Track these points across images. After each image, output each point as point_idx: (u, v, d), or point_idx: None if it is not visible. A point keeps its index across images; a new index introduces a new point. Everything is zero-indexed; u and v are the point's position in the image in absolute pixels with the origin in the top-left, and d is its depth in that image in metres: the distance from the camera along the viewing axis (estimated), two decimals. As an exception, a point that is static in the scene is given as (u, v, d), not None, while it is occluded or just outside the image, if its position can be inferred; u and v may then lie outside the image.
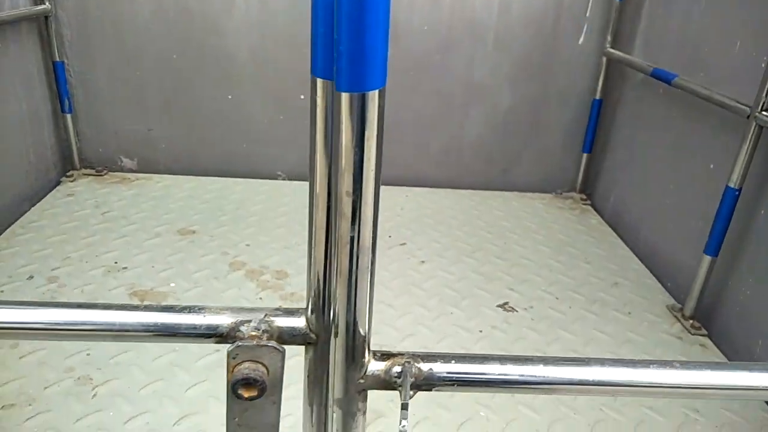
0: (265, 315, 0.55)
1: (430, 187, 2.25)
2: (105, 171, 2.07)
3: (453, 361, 0.54)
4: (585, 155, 2.25)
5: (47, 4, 1.81)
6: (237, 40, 1.97)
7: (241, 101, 2.07)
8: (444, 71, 2.09)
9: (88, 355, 1.25)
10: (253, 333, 0.54)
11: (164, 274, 1.56)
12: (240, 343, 0.50)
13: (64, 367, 1.22)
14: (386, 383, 0.53)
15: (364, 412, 0.56)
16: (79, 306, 0.53)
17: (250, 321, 0.55)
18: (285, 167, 2.20)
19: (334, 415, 0.55)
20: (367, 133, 0.44)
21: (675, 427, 1.23)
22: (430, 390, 0.54)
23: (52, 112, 1.95)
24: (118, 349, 1.28)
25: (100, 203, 1.88)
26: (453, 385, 0.54)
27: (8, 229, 1.67)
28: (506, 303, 1.63)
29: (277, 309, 0.57)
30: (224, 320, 0.55)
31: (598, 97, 2.15)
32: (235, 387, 0.49)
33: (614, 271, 1.82)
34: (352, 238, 0.47)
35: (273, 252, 1.72)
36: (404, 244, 1.85)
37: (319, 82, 0.46)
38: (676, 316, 1.61)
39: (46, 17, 1.82)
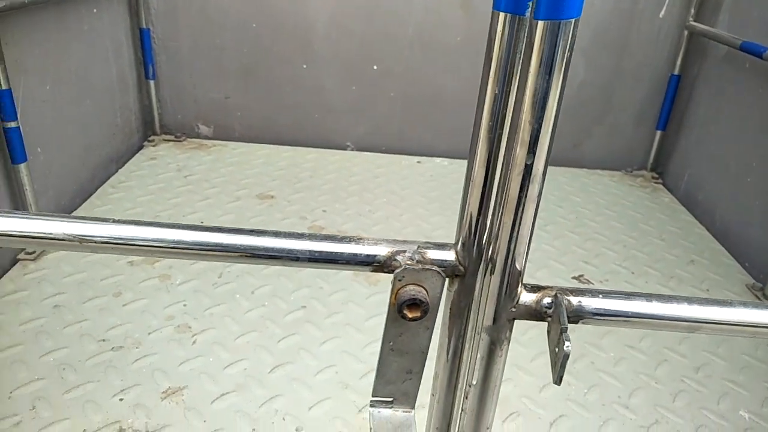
0: (418, 247, 0.58)
1: (498, 161, 2.24)
2: (183, 137, 2.15)
3: (600, 296, 0.56)
4: (659, 132, 2.20)
5: (137, -28, 1.87)
6: (315, 8, 2.00)
7: (316, 70, 2.10)
8: (518, 44, 2.07)
9: (184, 305, 1.32)
10: (408, 262, 0.56)
11: (248, 234, 1.61)
12: (407, 266, 0.52)
13: (164, 315, 1.28)
14: (536, 313, 0.55)
15: (509, 341, 0.58)
16: (251, 232, 0.56)
17: (404, 251, 0.57)
18: (354, 138, 2.23)
19: (481, 343, 0.57)
20: (557, 61, 0.45)
21: None
22: (576, 323, 0.56)
23: (137, 78, 2.02)
24: (212, 302, 1.33)
25: (182, 167, 1.95)
26: (600, 318, 0.55)
27: (100, 188, 1.75)
28: (581, 275, 1.62)
29: (427, 242, 0.59)
30: (381, 250, 0.57)
31: (676, 72, 2.09)
32: (401, 307, 0.52)
33: (689, 248, 1.79)
34: (528, 166, 0.49)
35: (348, 219, 1.76)
36: (476, 215, 1.86)
37: (502, 15, 0.47)
38: (756, 295, 1.58)
39: (135, -15, 1.89)
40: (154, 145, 2.08)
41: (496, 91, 0.50)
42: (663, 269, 1.67)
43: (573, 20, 0.43)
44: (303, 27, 2.03)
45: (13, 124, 1.29)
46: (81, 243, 0.55)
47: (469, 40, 2.06)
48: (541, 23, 0.44)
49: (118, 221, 0.56)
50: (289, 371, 1.17)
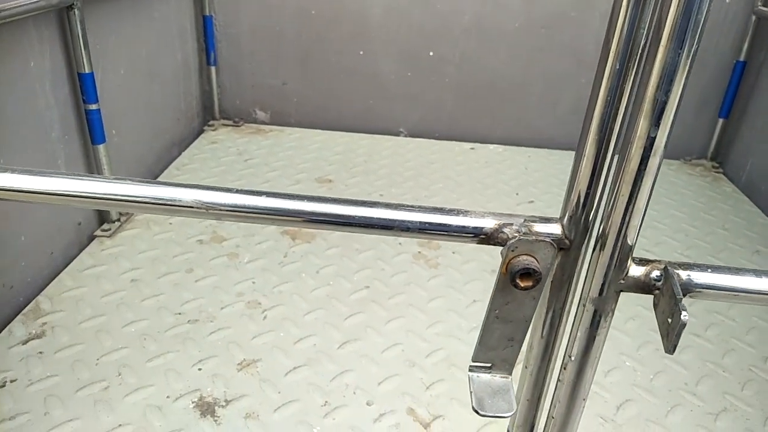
0: (524, 220, 0.59)
1: (553, 148, 2.23)
2: (241, 122, 2.19)
3: (709, 270, 0.56)
4: (721, 120, 2.14)
5: (202, -41, 1.92)
6: (372, -5, 2.01)
7: (371, 57, 2.11)
8: (578, 29, 2.04)
9: (253, 283, 1.36)
10: (515, 235, 0.58)
11: (309, 216, 1.64)
12: (521, 237, 0.54)
13: (235, 292, 1.32)
14: (645, 286, 0.56)
15: (614, 312, 0.58)
16: (363, 204, 0.58)
17: (511, 224, 0.58)
18: (407, 124, 2.24)
19: (585, 314, 0.58)
20: (690, 34, 0.45)
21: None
22: (684, 296, 0.56)
23: (199, 64, 2.08)
24: (279, 280, 1.37)
25: (242, 151, 1.99)
26: (708, 292, 0.56)
27: (166, 170, 1.81)
28: (643, 263, 1.60)
29: (532, 216, 0.60)
30: (488, 223, 0.59)
31: (741, 59, 2.03)
32: (514, 276, 0.53)
33: (754, 239, 1.74)
34: (651, 138, 0.49)
35: (405, 202, 1.77)
36: (532, 201, 1.85)
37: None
38: (828, 288, 1.53)
39: (200, -28, 1.93)
40: (213, 130, 2.13)
41: (617, 66, 0.51)
42: (727, 259, 1.64)
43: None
44: (360, 14, 2.04)
45: (94, 107, 1.35)
46: (207, 211, 0.58)
47: (527, 26, 2.04)
48: (675, -5, 0.44)
49: (241, 191, 0.59)
50: (357, 348, 1.20)
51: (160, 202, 0.60)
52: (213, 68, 2.09)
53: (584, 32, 2.05)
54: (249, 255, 1.44)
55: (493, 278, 1.48)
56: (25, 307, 1.20)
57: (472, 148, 2.19)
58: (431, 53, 2.11)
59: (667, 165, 2.18)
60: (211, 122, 2.16)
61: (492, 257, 1.52)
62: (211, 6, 2.02)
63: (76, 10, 1.25)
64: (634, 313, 1.34)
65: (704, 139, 2.20)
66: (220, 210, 0.60)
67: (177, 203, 0.59)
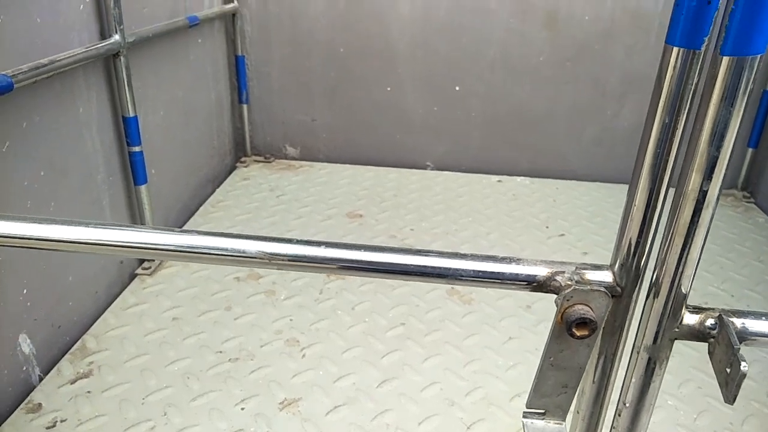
0: (576, 268, 0.60)
1: (580, 180, 2.23)
2: (272, 158, 2.24)
3: (763, 318, 0.56)
4: (750, 150, 2.14)
5: (235, 2, 1.99)
6: (400, 31, 2.06)
7: (399, 92, 2.16)
8: (602, 60, 2.07)
9: (291, 320, 1.37)
10: (568, 283, 0.59)
11: (342, 252, 1.66)
12: (575, 287, 0.55)
13: (274, 329, 1.34)
14: (699, 334, 0.57)
15: (668, 360, 0.59)
16: (418, 252, 0.60)
17: (563, 272, 0.60)
18: (434, 158, 2.27)
19: (639, 361, 0.59)
20: (740, 94, 0.47)
21: None
22: (740, 344, 0.57)
23: (231, 102, 2.14)
24: (316, 317, 1.39)
25: (274, 187, 2.03)
26: (764, 340, 0.56)
27: (201, 208, 1.86)
28: (678, 296, 1.59)
29: (583, 263, 0.62)
30: (540, 271, 0.60)
31: (769, 88, 2.03)
32: (570, 325, 0.54)
33: (791, 271, 1.72)
34: (703, 192, 0.50)
35: (436, 237, 1.79)
36: (563, 235, 1.85)
37: (675, 50, 0.49)
38: None
39: (233, 15, 2.00)
40: (246, 166, 2.18)
41: (666, 120, 0.52)
42: (765, 292, 1.61)
43: (758, 56, 0.45)
44: (387, 50, 2.09)
45: (137, 149, 1.40)
46: (270, 261, 0.60)
47: (552, 59, 2.07)
48: (726, 59, 0.46)
49: (302, 242, 0.61)
50: (396, 386, 1.20)
51: (225, 253, 0.63)
52: (245, 106, 2.15)
53: (608, 64, 2.07)
54: (285, 292, 1.47)
55: (528, 315, 1.49)
56: (72, 346, 1.23)
57: (499, 181, 2.21)
58: (457, 88, 2.15)
59: (697, 194, 2.17)
60: (243, 159, 2.22)
61: (526, 293, 1.52)
62: (243, 46, 2.09)
63: (122, 57, 1.31)
64: (674, 350, 1.33)
65: (734, 168, 2.18)
66: (282, 260, 0.63)
67: (242, 254, 0.62)
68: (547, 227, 1.89)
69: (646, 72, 2.07)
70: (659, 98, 0.51)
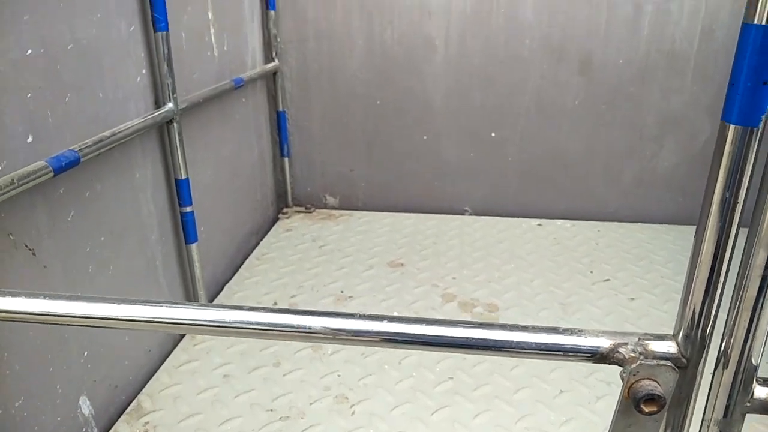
0: (639, 339, 0.60)
1: (620, 221, 2.21)
2: (312, 208, 2.29)
3: (843, 393, 0.55)
4: None
5: (276, 61, 2.07)
6: (434, 82, 2.11)
7: (435, 140, 2.19)
8: (638, 103, 2.07)
9: (339, 376, 1.38)
10: (632, 355, 0.59)
11: (385, 303, 1.67)
12: (642, 362, 0.55)
13: (322, 385, 1.35)
14: (776, 409, 0.55)
15: (741, 434, 0.58)
16: (479, 326, 0.61)
17: (626, 343, 0.60)
18: (472, 203, 2.28)
19: (712, 437, 0.58)
20: None
21: None
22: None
23: (273, 156, 2.20)
24: (363, 372, 1.39)
25: (315, 237, 2.07)
26: None
27: (246, 261, 1.90)
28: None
29: (647, 334, 0.61)
30: (603, 342, 0.60)
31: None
32: (638, 401, 0.54)
33: None
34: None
35: (479, 285, 1.78)
36: (608, 280, 1.83)
37: (733, 128, 0.50)
38: None
39: (275, 73, 2.08)
40: (287, 217, 2.23)
41: (726, 196, 0.53)
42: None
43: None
44: (423, 101, 2.14)
45: (189, 209, 1.45)
46: (335, 337, 0.62)
47: (587, 102, 2.09)
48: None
49: (364, 316, 0.63)
50: (448, 444, 1.19)
51: (290, 329, 0.64)
52: (286, 159, 2.22)
53: (644, 107, 2.07)
54: (332, 347, 1.48)
55: (578, 366, 1.45)
56: (128, 405, 1.26)
57: (539, 224, 2.20)
58: (493, 134, 2.17)
59: (742, 234, 2.12)
60: (284, 210, 2.27)
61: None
62: (284, 102, 2.16)
63: (175, 123, 1.38)
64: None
65: None
66: (346, 336, 0.64)
67: (307, 330, 0.64)
68: (591, 272, 1.87)
69: (684, 113, 2.06)
70: (717, 175, 0.52)
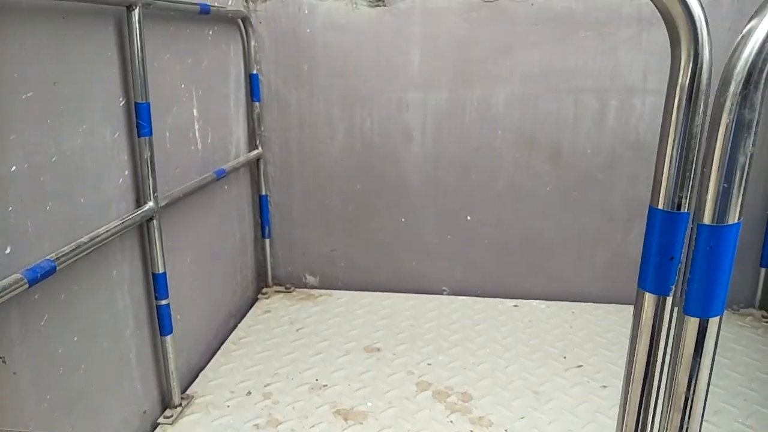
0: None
1: (595, 302, 2.25)
2: (292, 287, 2.32)
3: None
4: (763, 270, 2.15)
5: (260, 149, 2.15)
6: (412, 168, 2.19)
7: (413, 223, 2.25)
8: (607, 189, 2.15)
9: (308, 472, 1.38)
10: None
11: (360, 392, 1.68)
12: None
13: (291, 483, 1.34)
14: None
15: None
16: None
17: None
18: (449, 283, 2.32)
19: None
20: (705, 354, 0.52)
21: None
22: None
23: (254, 237, 2.25)
24: (334, 468, 1.39)
25: (294, 320, 2.09)
26: None
27: (223, 346, 1.91)
28: (703, 435, 1.56)
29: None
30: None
31: (774, 211, 2.08)
32: None
33: (819, 401, 1.68)
34: (681, 426, 0.54)
35: (454, 372, 1.80)
36: (581, 366, 1.85)
37: (648, 296, 0.55)
38: None
39: (258, 160, 2.16)
40: (267, 298, 2.25)
41: (645, 360, 0.57)
42: (793, 428, 1.57)
43: (718, 317, 0.51)
44: (401, 186, 2.21)
45: (165, 302, 1.48)
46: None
47: (558, 188, 2.17)
48: (692, 320, 0.52)
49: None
50: None
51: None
52: (267, 240, 2.26)
53: (613, 192, 2.15)
54: (304, 441, 1.48)
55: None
56: (94, 508, 1.25)
57: (516, 305, 2.24)
58: (468, 217, 2.24)
59: (715, 315, 2.16)
60: (264, 290, 2.29)
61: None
62: (266, 186, 2.23)
63: (155, 221, 1.42)
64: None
65: (749, 288, 2.19)
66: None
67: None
68: (564, 357, 1.89)
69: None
70: (636, 340, 0.57)
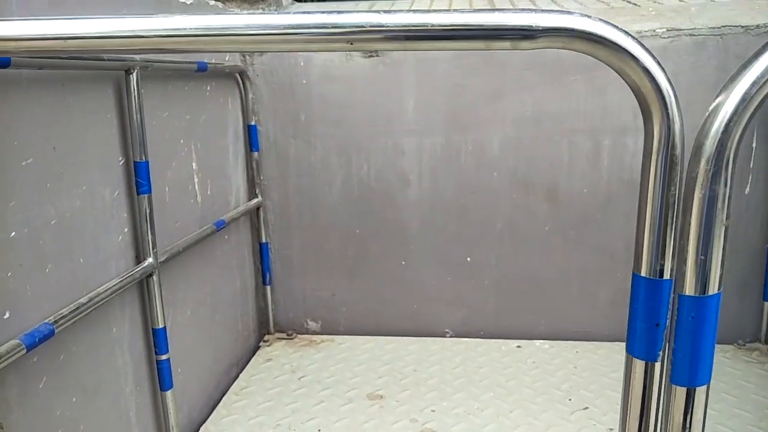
0: None
1: (598, 341, 2.23)
2: (294, 334, 2.31)
3: None
4: (766, 303, 2.14)
5: (259, 197, 2.18)
6: (410, 213, 2.21)
7: (413, 265, 2.26)
8: (605, 228, 2.16)
9: None
10: None
11: (363, 442, 1.66)
12: None
13: None
14: None
15: None
16: None
17: None
18: (452, 325, 2.31)
19: None
20: (694, 424, 0.52)
21: None
22: None
23: (255, 285, 2.26)
24: None
25: (296, 367, 2.08)
26: None
27: (225, 396, 1.90)
28: (714, 479, 1.52)
29: None
30: None
31: (773, 244, 2.08)
32: None
33: (832, 440, 1.65)
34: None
35: (458, 418, 1.78)
36: (587, 408, 1.83)
37: (637, 362, 0.56)
38: None
39: (258, 208, 2.19)
40: (269, 345, 2.24)
41: (638, 421, 0.57)
42: (806, 469, 1.54)
43: (705, 386, 0.51)
44: (400, 229, 2.23)
45: (165, 357, 1.48)
46: None
47: (557, 228, 2.18)
48: (679, 389, 0.52)
49: None
50: None
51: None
52: (268, 287, 2.27)
53: (611, 232, 2.16)
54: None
55: None
56: None
57: (519, 346, 2.22)
58: (468, 258, 2.24)
59: (722, 351, 2.14)
60: (266, 337, 2.29)
61: None
62: (267, 234, 2.25)
63: (154, 276, 1.44)
64: None
65: (754, 322, 2.18)
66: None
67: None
68: (570, 400, 1.87)
69: (650, 235, 2.15)
70: (627, 403, 0.57)
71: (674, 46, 2.00)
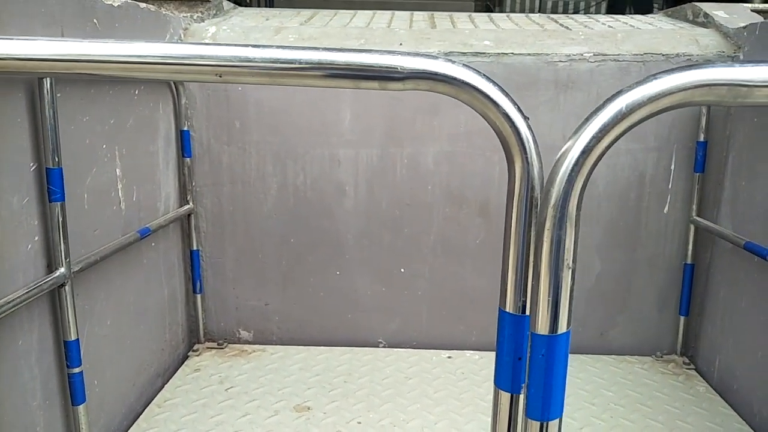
0: None
1: (527, 352, 2.29)
2: (225, 343, 2.27)
3: None
4: (682, 318, 2.24)
5: (191, 204, 2.14)
6: (346, 223, 2.22)
7: (348, 276, 2.26)
8: (534, 243, 2.22)
9: None
10: None
11: (285, 455, 1.65)
12: None
13: None
14: None
15: None
16: None
17: None
18: (385, 335, 2.33)
19: None
20: None
21: None
22: None
23: (185, 293, 2.21)
24: None
25: (223, 378, 2.05)
26: None
27: (147, 409, 1.85)
28: (623, 489, 1.59)
29: None
30: None
31: (689, 261, 2.19)
32: None
33: (734, 449, 1.74)
34: None
35: (383, 431, 1.79)
36: (509, 419, 1.87)
37: (502, 394, 0.58)
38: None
39: (189, 215, 2.14)
40: (198, 355, 2.20)
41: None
42: (707, 477, 1.62)
43: (557, 419, 0.54)
44: (335, 239, 2.23)
45: (77, 370, 1.43)
46: None
47: (487, 241, 2.23)
48: (535, 423, 0.54)
49: None
50: None
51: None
52: (199, 295, 2.23)
53: (542, 245, 2.22)
54: None
55: None
56: None
57: (450, 357, 2.26)
58: (402, 270, 2.26)
59: (640, 363, 2.24)
60: (195, 347, 2.24)
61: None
62: (198, 241, 2.21)
63: (66, 286, 1.39)
64: None
65: (671, 335, 2.28)
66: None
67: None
68: (494, 411, 1.91)
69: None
70: None
71: (600, 70, 2.08)
